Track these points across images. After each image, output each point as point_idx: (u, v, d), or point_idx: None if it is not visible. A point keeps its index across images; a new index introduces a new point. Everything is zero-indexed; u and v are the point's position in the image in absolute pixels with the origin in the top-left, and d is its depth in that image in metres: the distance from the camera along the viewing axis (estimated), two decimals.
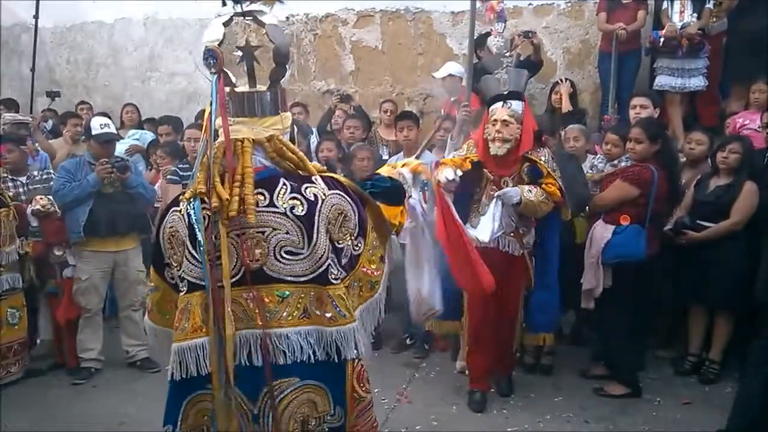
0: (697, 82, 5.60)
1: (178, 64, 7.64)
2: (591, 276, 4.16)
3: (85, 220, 4.53)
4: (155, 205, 5.19)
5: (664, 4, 5.74)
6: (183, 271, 1.97)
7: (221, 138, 1.92)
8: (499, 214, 3.80)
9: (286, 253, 1.94)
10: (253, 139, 1.95)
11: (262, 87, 2.00)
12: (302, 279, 1.96)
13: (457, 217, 3.48)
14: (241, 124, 1.95)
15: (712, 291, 4.33)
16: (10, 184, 4.80)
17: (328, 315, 1.96)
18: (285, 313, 1.96)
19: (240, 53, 2.04)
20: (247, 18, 2.02)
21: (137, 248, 4.84)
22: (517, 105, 3.85)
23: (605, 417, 4.02)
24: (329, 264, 1.97)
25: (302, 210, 1.93)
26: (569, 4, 6.50)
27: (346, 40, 7.10)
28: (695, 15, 5.59)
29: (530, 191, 3.81)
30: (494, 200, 3.81)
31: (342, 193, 2.02)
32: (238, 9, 2.02)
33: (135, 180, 4.71)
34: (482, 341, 4.03)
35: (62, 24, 7.89)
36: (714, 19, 5.68)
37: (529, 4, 6.57)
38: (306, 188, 1.97)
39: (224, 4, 2.01)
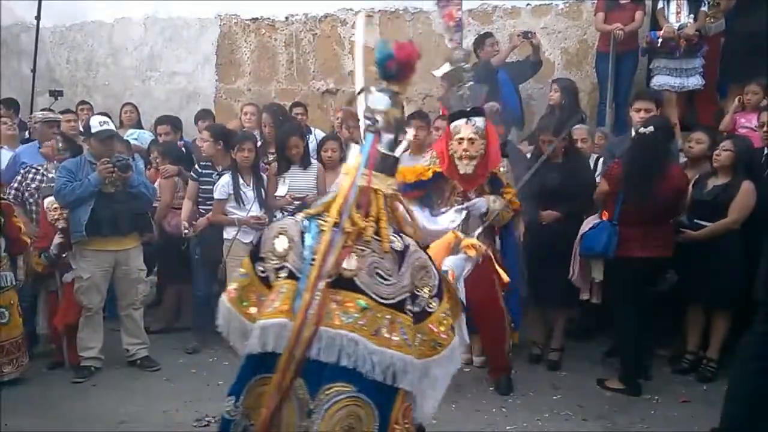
0: (695, 81, 5.63)
1: (178, 63, 7.65)
2: (571, 266, 4.41)
3: (87, 219, 4.54)
4: (154, 204, 5.23)
5: (660, 4, 5.77)
6: (288, 261, 2.20)
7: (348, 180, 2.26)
8: (459, 219, 3.92)
9: (377, 274, 2.20)
10: (383, 192, 2.30)
11: (392, 153, 2.33)
12: (383, 301, 2.18)
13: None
14: (375, 177, 2.27)
15: (709, 289, 4.35)
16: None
17: (396, 339, 2.16)
18: (361, 322, 2.15)
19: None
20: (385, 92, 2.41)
21: (138, 247, 4.86)
22: (480, 121, 3.95)
23: (604, 415, 4.04)
24: (407, 297, 2.22)
25: (399, 246, 2.26)
26: (567, 5, 6.52)
27: (346, 40, 7.12)
28: (691, 16, 5.61)
29: (495, 201, 4.03)
30: (460, 211, 3.95)
31: (427, 257, 2.33)
32: (384, 86, 2.41)
33: (136, 179, 4.72)
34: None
35: (62, 24, 7.90)
36: (711, 20, 5.72)
37: (527, 4, 6.60)
38: (403, 235, 2.33)
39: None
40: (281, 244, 2.24)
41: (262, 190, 5.14)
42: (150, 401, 4.33)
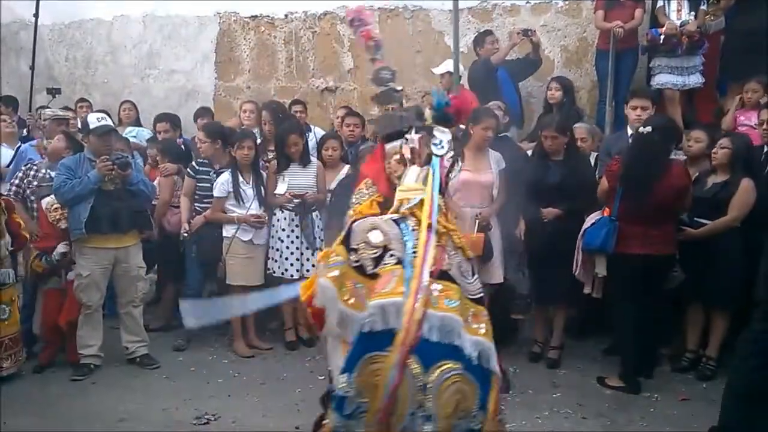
0: (696, 80, 5.62)
1: (176, 61, 7.64)
2: (574, 260, 4.41)
3: (86, 217, 4.54)
4: (153, 202, 5.23)
5: (660, 2, 5.76)
6: (394, 249, 2.41)
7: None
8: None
9: (461, 272, 2.51)
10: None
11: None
12: (469, 296, 2.48)
13: None
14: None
15: (709, 287, 4.36)
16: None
17: (482, 329, 2.44)
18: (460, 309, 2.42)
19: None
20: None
21: (137, 245, 4.85)
22: (417, 141, 4.01)
23: (603, 413, 4.05)
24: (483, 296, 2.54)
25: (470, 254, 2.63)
26: (567, 3, 6.51)
27: (345, 37, 7.11)
28: (692, 14, 5.61)
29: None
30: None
31: None
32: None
33: (136, 176, 4.72)
34: None
35: (61, 21, 7.88)
36: (712, 18, 5.71)
37: (527, 2, 6.59)
38: None
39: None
40: (376, 237, 2.43)
41: (262, 187, 5.14)
42: (149, 399, 4.33)
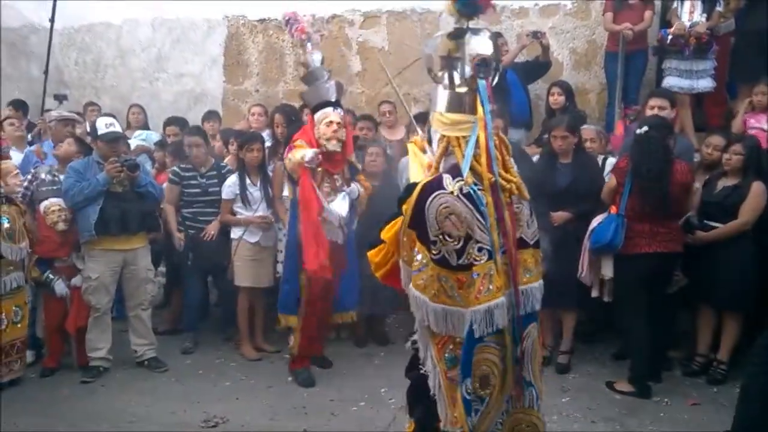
0: (705, 84, 5.58)
1: (185, 65, 7.67)
2: (580, 262, 4.40)
3: (95, 219, 4.57)
4: (162, 206, 5.24)
5: (674, 4, 5.73)
6: (480, 242, 2.26)
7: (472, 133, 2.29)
8: (346, 204, 4.49)
9: (527, 223, 2.42)
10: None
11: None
12: (532, 242, 2.43)
13: (319, 194, 4.33)
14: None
15: (720, 291, 4.32)
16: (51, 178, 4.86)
17: (541, 272, 2.47)
18: (536, 271, 2.42)
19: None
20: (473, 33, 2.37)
21: (146, 247, 4.88)
22: (341, 112, 4.50)
23: (612, 418, 4.02)
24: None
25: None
26: (575, 5, 6.50)
27: (353, 40, 7.12)
28: (704, 15, 5.58)
29: (359, 188, 4.62)
30: (342, 194, 4.49)
31: None
32: (467, 24, 2.40)
33: (144, 179, 4.74)
34: (318, 324, 4.57)
35: (70, 25, 7.91)
36: (722, 20, 5.67)
37: (535, 4, 6.57)
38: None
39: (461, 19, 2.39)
40: (454, 225, 2.24)
41: (269, 189, 5.15)
42: (158, 402, 4.34)
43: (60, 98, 7.17)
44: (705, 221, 4.41)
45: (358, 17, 7.09)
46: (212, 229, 5.13)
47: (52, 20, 7.17)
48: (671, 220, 4.25)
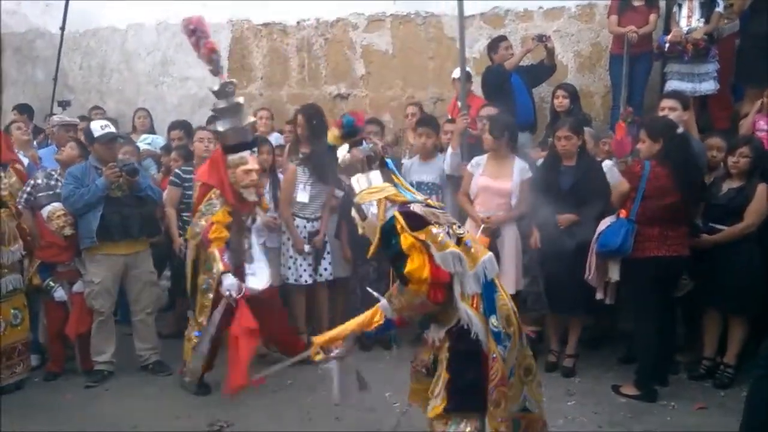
0: (708, 86, 5.57)
1: (189, 68, 7.65)
2: (587, 264, 4.36)
3: (97, 225, 4.57)
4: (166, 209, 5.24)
5: (674, 9, 5.72)
6: (455, 223, 2.90)
7: None
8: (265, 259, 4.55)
9: None
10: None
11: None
12: None
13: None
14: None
15: (725, 294, 4.30)
16: (53, 182, 4.81)
17: None
18: None
19: None
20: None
21: (147, 250, 4.88)
22: (256, 155, 4.46)
23: (619, 422, 4.00)
24: None
25: None
26: (580, 8, 6.48)
27: (357, 44, 7.12)
28: (702, 20, 5.56)
29: (261, 216, 4.68)
30: (263, 250, 4.61)
31: None
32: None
33: (143, 183, 4.74)
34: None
35: (75, 30, 7.93)
36: (725, 21, 5.66)
37: (540, 7, 6.56)
38: None
39: None
40: (436, 216, 2.82)
41: (278, 191, 5.17)
42: (162, 406, 4.33)
43: (64, 104, 7.20)
44: (710, 224, 4.40)
45: (362, 21, 7.09)
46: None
47: (62, 28, 7.21)
48: (680, 224, 4.23)
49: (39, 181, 4.80)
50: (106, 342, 4.77)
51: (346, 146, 3.04)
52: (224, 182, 4.28)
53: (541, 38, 5.84)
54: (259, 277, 4.37)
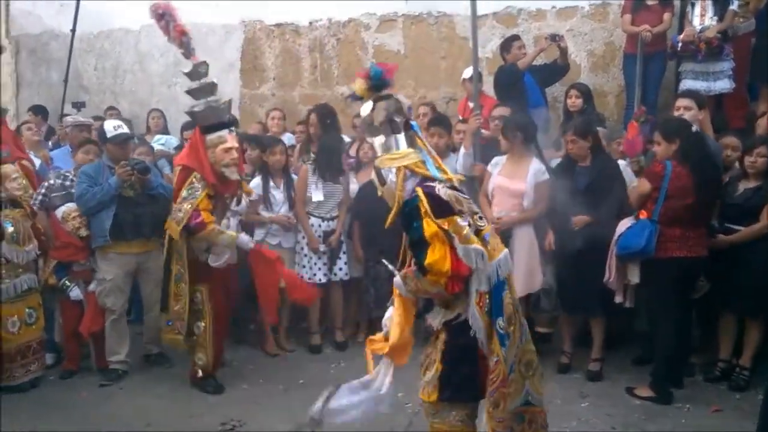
0: (723, 85, 5.51)
1: None
2: (607, 266, 4.31)
3: (110, 224, 4.61)
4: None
5: (687, 7, 5.67)
6: (478, 212, 2.82)
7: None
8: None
9: None
10: None
11: None
12: None
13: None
14: None
15: (741, 296, 4.26)
16: (68, 183, 4.84)
17: None
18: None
19: None
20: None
21: (159, 248, 4.89)
22: (235, 134, 4.45)
23: (633, 424, 3.97)
24: None
25: None
26: (593, 7, 6.45)
27: (369, 44, 7.12)
28: (716, 18, 5.51)
29: (245, 199, 4.72)
30: (234, 222, 4.67)
31: None
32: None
33: (155, 181, 4.77)
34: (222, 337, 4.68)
35: (90, 31, 7.99)
36: (741, 20, 5.60)
37: (553, 7, 6.53)
38: None
39: None
40: (460, 202, 2.73)
41: (292, 191, 5.19)
42: (175, 405, 4.36)
43: (78, 106, 7.26)
44: (726, 224, 4.35)
45: (374, 21, 7.09)
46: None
47: (73, 30, 7.26)
48: (700, 225, 4.18)
49: (53, 182, 4.83)
50: (120, 342, 4.81)
51: (369, 103, 2.85)
52: (204, 163, 4.26)
53: (554, 38, 5.81)
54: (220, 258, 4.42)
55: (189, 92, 4.44)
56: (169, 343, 4.58)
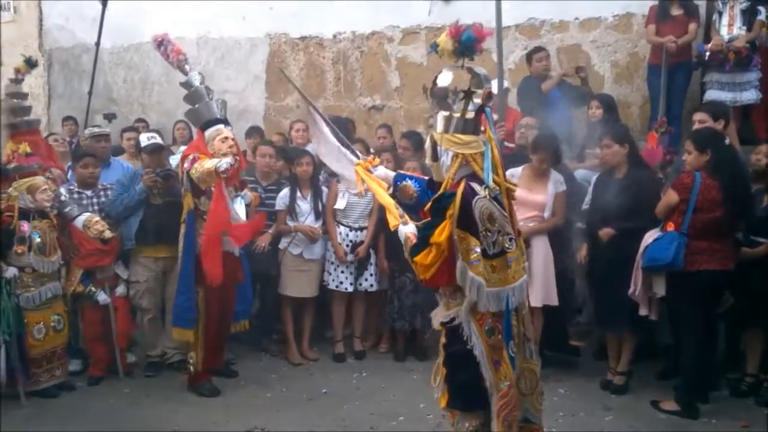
0: (750, 96, 5.47)
1: (228, 82, 7.83)
2: (632, 279, 4.25)
3: (136, 229, 4.89)
4: None
5: (714, 17, 5.64)
6: (509, 234, 2.72)
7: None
8: (244, 208, 4.65)
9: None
10: None
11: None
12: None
13: (230, 207, 4.44)
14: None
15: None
16: (76, 196, 4.94)
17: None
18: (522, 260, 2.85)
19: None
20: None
21: None
22: (231, 128, 4.64)
23: None
24: None
25: None
26: (617, 18, 6.44)
27: (392, 56, 7.19)
28: (744, 28, 5.47)
29: (250, 195, 4.78)
30: (239, 199, 4.63)
31: None
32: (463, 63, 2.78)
33: (179, 186, 4.86)
34: (217, 336, 4.65)
35: (120, 45, 8.20)
36: (766, 30, 5.55)
37: (576, 18, 6.54)
38: None
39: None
40: (492, 223, 2.66)
41: (320, 202, 5.25)
42: (200, 412, 4.41)
43: (109, 117, 7.43)
44: (751, 237, 4.30)
45: (397, 33, 7.16)
46: (263, 241, 5.17)
47: (97, 43, 7.44)
48: (727, 237, 4.12)
49: (64, 198, 4.83)
50: (158, 337, 5.06)
51: (450, 74, 2.71)
52: (207, 155, 4.45)
53: (578, 71, 5.86)
54: (239, 209, 4.58)
55: (185, 100, 4.83)
56: (178, 337, 4.65)
